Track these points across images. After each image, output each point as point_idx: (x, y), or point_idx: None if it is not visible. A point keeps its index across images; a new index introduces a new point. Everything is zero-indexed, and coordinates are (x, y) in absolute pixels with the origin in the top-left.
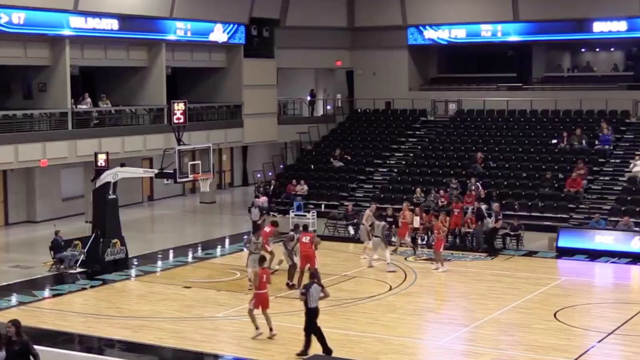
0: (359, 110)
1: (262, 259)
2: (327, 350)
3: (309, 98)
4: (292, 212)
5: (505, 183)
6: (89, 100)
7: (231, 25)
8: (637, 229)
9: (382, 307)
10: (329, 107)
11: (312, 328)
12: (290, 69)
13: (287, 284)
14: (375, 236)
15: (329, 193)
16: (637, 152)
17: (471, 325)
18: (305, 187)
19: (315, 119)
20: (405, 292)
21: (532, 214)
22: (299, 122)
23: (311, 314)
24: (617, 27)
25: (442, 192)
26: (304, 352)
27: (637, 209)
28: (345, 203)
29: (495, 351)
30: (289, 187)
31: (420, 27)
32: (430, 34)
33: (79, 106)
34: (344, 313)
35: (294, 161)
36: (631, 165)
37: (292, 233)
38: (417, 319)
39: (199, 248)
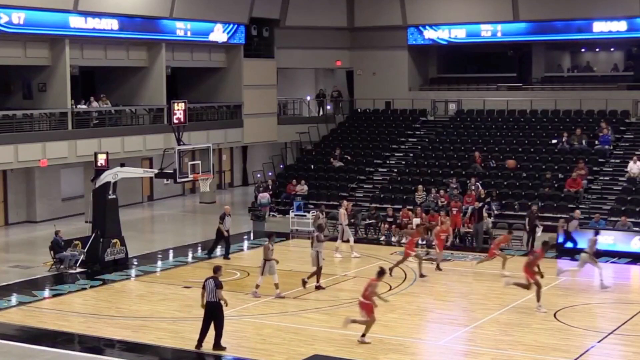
0: (359, 110)
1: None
2: (199, 345)
3: (308, 98)
4: (292, 212)
5: (505, 183)
6: (95, 104)
7: (231, 25)
8: (636, 229)
9: (382, 307)
10: (328, 107)
11: (205, 319)
12: (290, 69)
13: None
14: (584, 252)
15: (328, 193)
16: (636, 152)
17: (471, 325)
18: (305, 187)
19: (315, 119)
20: (406, 292)
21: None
22: (299, 122)
23: (206, 307)
24: (617, 27)
25: (442, 192)
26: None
27: (637, 209)
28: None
29: (495, 351)
30: (289, 187)
31: (420, 27)
32: (430, 34)
33: (78, 106)
34: (344, 313)
35: (293, 161)
36: (629, 166)
37: (318, 234)
38: (417, 319)
39: (199, 248)
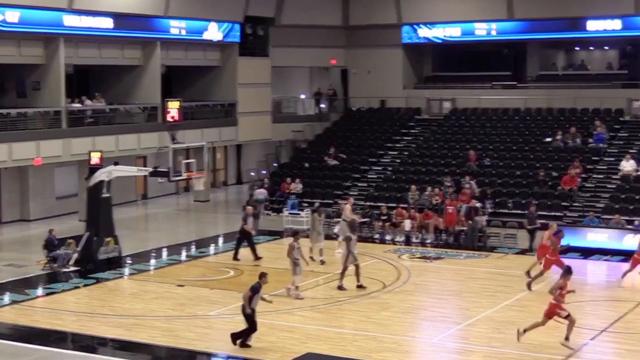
0: (354, 108)
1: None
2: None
3: (303, 97)
4: (286, 210)
5: (500, 181)
6: (88, 102)
7: (226, 24)
8: (629, 226)
9: (376, 305)
10: (323, 106)
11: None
12: (285, 67)
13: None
14: None
15: (323, 192)
16: (630, 151)
17: (464, 323)
18: (300, 186)
19: (310, 118)
20: (399, 290)
21: (526, 212)
22: (294, 121)
23: None
24: (611, 25)
25: (436, 190)
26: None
27: (631, 207)
28: (340, 202)
29: (488, 349)
30: (283, 186)
31: (415, 26)
32: (424, 32)
33: (72, 104)
34: (337, 311)
35: (288, 160)
36: (621, 165)
37: (349, 234)
38: (410, 316)
39: (193, 246)
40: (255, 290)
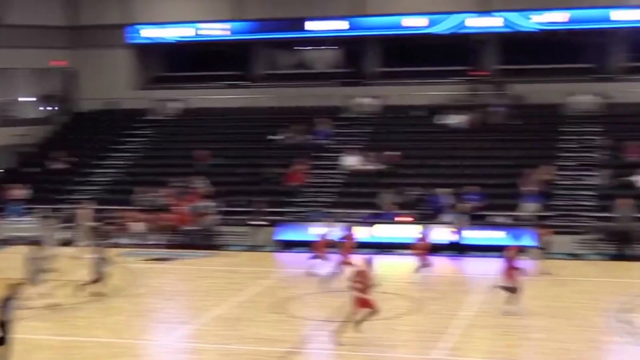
0: (82, 111)
1: None
2: None
3: (28, 99)
4: (11, 217)
5: (229, 180)
6: None
7: None
8: (357, 219)
9: (108, 310)
10: (50, 108)
11: None
12: (9, 69)
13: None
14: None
15: (49, 196)
16: (352, 146)
17: (197, 322)
18: (25, 191)
19: (36, 121)
20: (131, 293)
21: (254, 209)
22: (18, 125)
23: None
24: (336, 25)
25: (167, 191)
26: None
27: (357, 201)
28: (72, 206)
29: (220, 346)
30: (7, 192)
31: (144, 26)
32: (153, 32)
33: None
34: (66, 319)
35: (12, 165)
36: (345, 159)
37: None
38: (143, 320)
39: None
40: (6, 301)
